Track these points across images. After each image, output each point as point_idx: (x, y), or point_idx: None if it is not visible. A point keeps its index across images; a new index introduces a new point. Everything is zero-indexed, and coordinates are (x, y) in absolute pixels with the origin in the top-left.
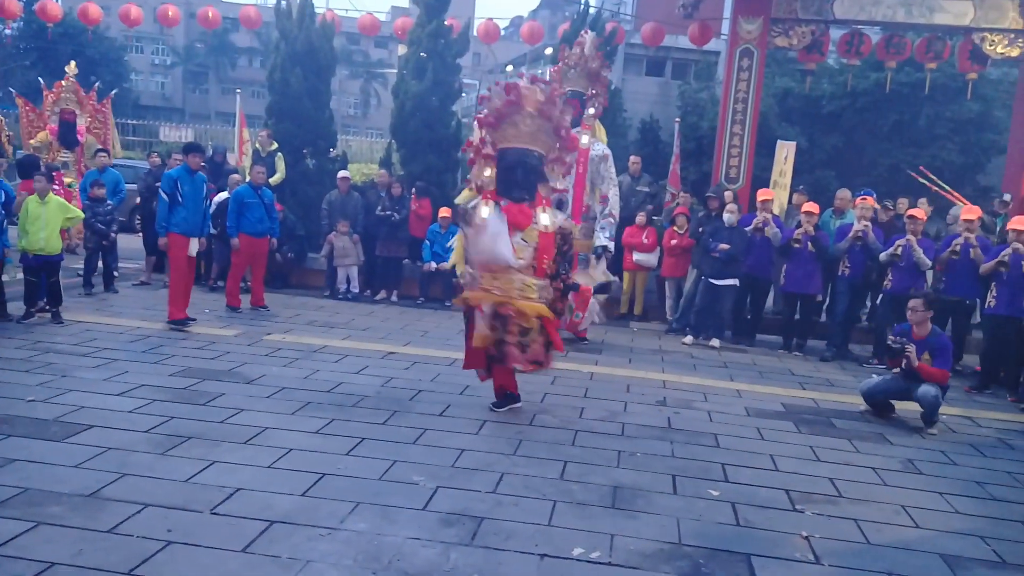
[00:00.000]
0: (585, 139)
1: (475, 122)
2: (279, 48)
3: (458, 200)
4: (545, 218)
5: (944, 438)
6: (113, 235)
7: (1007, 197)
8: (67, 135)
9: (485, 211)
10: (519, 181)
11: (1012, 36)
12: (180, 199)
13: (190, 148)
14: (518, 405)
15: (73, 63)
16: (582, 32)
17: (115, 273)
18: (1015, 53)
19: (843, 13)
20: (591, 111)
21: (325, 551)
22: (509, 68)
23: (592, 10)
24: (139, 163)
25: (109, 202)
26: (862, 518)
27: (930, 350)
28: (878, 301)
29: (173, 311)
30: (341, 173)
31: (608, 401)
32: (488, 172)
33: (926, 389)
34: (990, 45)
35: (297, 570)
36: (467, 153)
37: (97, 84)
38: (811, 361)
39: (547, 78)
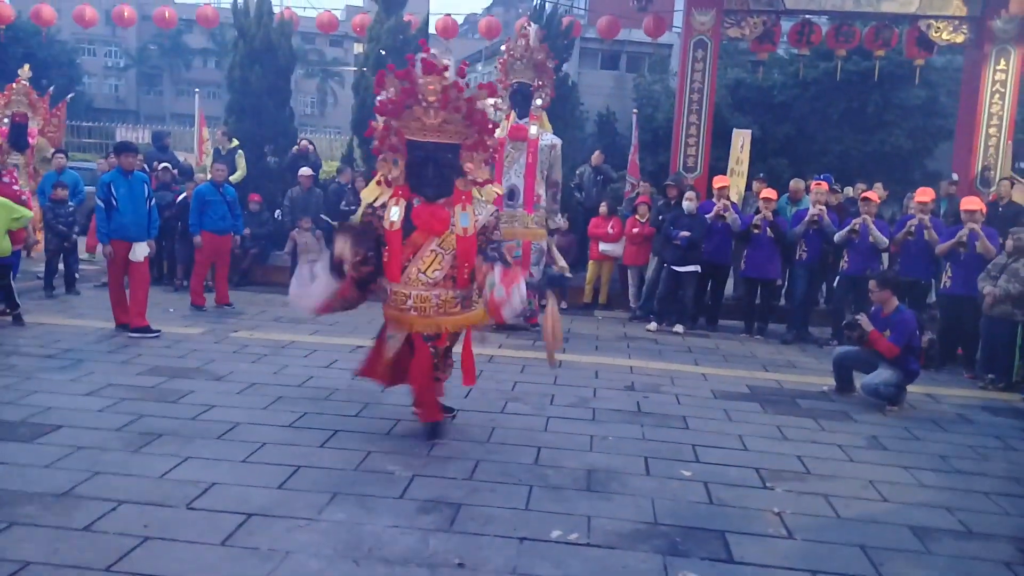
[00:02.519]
0: (534, 129)
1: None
2: (237, 46)
3: (363, 193)
4: (465, 219)
5: (906, 415)
6: (74, 237)
7: (955, 177)
8: (18, 138)
9: (396, 213)
10: (431, 178)
11: (956, 23)
12: (115, 204)
13: (121, 148)
14: (452, 416)
15: (27, 66)
16: (524, 23)
17: (76, 275)
18: (959, 39)
19: (794, 3)
20: (538, 102)
21: (304, 542)
22: (452, 61)
23: (547, 5)
24: (95, 165)
25: (71, 204)
26: (831, 493)
27: (891, 326)
28: (835, 283)
29: (117, 315)
30: (303, 170)
31: (577, 387)
32: (397, 166)
33: (869, 379)
34: (935, 32)
35: (278, 561)
36: (371, 140)
37: (51, 88)
38: (773, 344)
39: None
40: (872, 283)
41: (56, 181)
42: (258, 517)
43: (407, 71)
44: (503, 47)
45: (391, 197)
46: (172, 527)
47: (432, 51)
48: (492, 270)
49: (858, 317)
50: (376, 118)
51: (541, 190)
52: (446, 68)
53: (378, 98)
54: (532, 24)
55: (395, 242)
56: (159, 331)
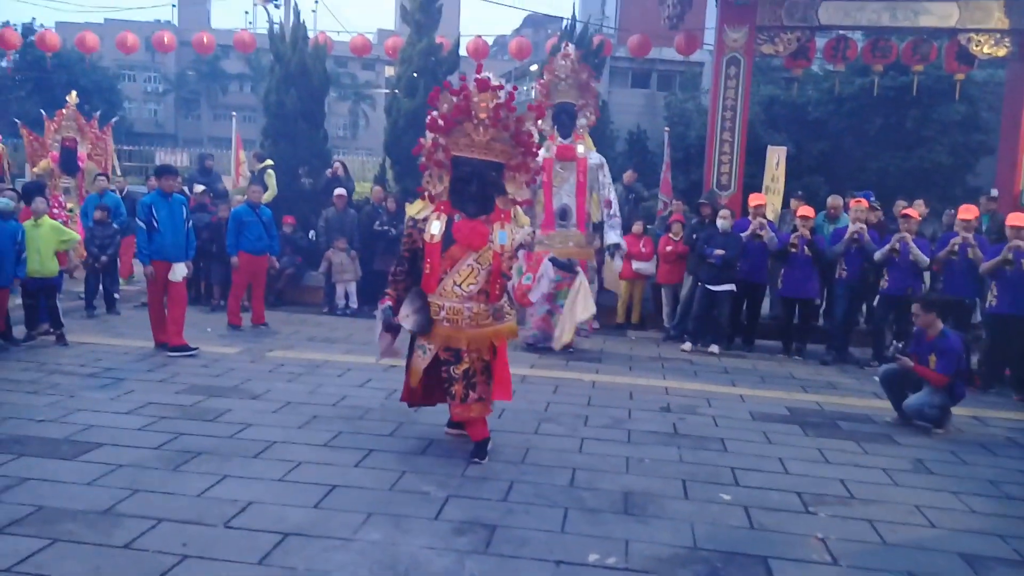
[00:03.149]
0: (581, 148)
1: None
2: (273, 71)
3: (410, 210)
4: (503, 236)
5: (952, 438)
6: (105, 258)
7: (994, 193)
8: (68, 162)
9: (436, 227)
10: (474, 194)
11: (998, 36)
12: (156, 225)
13: (162, 171)
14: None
15: (74, 92)
16: (564, 44)
17: (116, 295)
18: (1002, 53)
19: (828, 19)
20: (583, 121)
21: (341, 561)
22: (509, 86)
23: (578, 25)
24: (137, 187)
25: (114, 225)
26: (876, 518)
27: (936, 352)
28: (875, 303)
29: (157, 335)
30: (337, 190)
31: (612, 408)
32: (442, 181)
33: (913, 400)
34: (976, 46)
35: None
36: (419, 157)
37: (98, 112)
38: (811, 365)
39: (533, 94)
40: (916, 306)
41: (97, 203)
42: (295, 536)
43: (462, 87)
44: (544, 68)
45: (433, 211)
46: (210, 546)
47: (485, 72)
48: (517, 258)
49: (899, 360)
50: (426, 135)
51: (592, 209)
52: (500, 87)
53: (430, 114)
54: (571, 45)
55: (434, 254)
56: (196, 348)
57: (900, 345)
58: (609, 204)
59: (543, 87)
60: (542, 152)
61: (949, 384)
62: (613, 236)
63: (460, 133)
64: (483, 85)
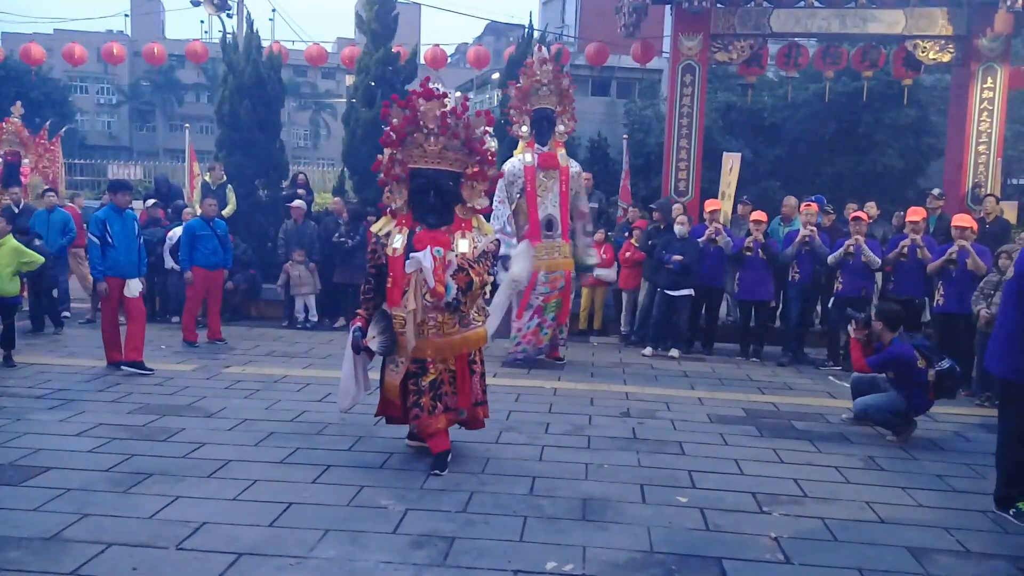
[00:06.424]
0: (562, 156)
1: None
2: (227, 81)
3: (373, 228)
4: (463, 245)
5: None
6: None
7: (936, 191)
8: (10, 176)
9: (399, 240)
10: (432, 205)
11: (942, 42)
12: (110, 240)
13: (116, 186)
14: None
15: (19, 103)
16: (537, 48)
17: (65, 314)
18: (946, 58)
19: (780, 26)
20: (561, 128)
21: None
22: (457, 94)
23: (536, 33)
24: (89, 202)
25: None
26: (828, 516)
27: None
28: (830, 304)
29: (109, 354)
30: (294, 203)
31: (573, 415)
32: (401, 195)
33: (861, 399)
34: (922, 52)
35: None
36: (378, 172)
37: (48, 123)
38: (768, 366)
39: (495, 101)
40: (857, 327)
41: (46, 220)
42: (248, 556)
43: (409, 99)
44: (522, 72)
45: (395, 226)
46: (161, 569)
47: (432, 81)
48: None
49: (852, 316)
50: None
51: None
52: (445, 95)
53: (384, 129)
54: (544, 48)
55: (397, 268)
56: (152, 370)
57: (860, 315)
58: (584, 216)
59: (520, 92)
60: (524, 159)
61: (905, 391)
62: (591, 257)
63: (412, 144)
64: (428, 94)
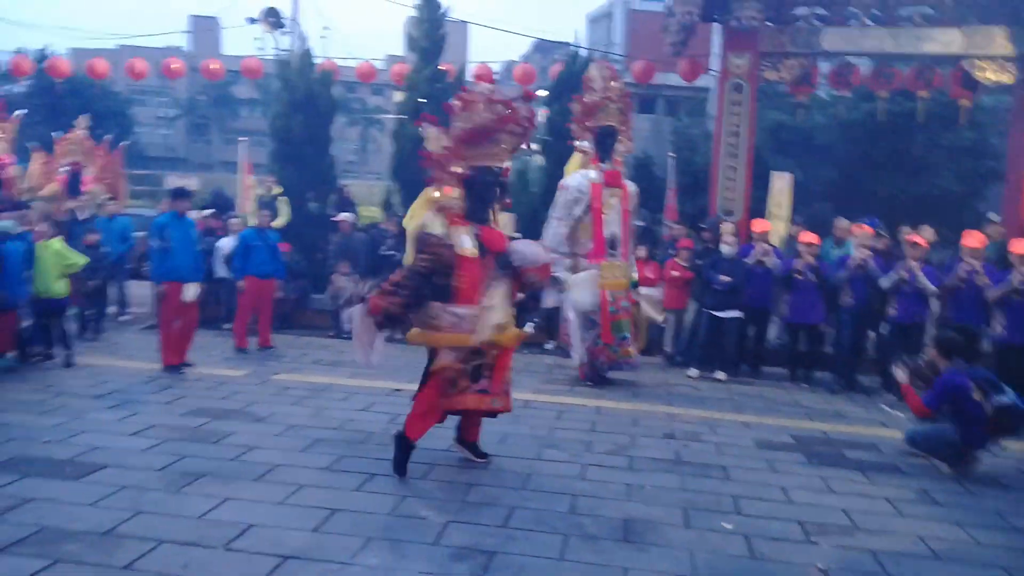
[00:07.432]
0: (623, 175)
1: (439, 134)
2: (281, 97)
3: (410, 225)
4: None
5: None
6: (90, 283)
7: (992, 215)
8: (74, 185)
9: (467, 241)
10: (491, 202)
11: (1002, 62)
12: (170, 245)
13: (177, 194)
14: (484, 460)
15: (86, 116)
16: (600, 65)
17: (103, 315)
18: (1006, 79)
19: (831, 45)
20: (620, 147)
21: None
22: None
23: (583, 51)
24: (147, 211)
25: (105, 248)
26: (879, 549)
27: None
28: (885, 331)
29: (166, 357)
30: (341, 216)
31: (615, 435)
32: (455, 193)
33: (912, 427)
34: (980, 72)
35: None
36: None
37: (110, 136)
38: (819, 393)
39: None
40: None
41: (89, 227)
42: (294, 560)
43: (507, 99)
44: (587, 86)
45: (451, 225)
46: (210, 568)
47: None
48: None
49: (899, 363)
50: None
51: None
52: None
53: (458, 125)
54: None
55: (474, 268)
56: (192, 363)
57: (907, 358)
58: (635, 235)
59: (586, 107)
60: (590, 175)
61: (963, 427)
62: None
63: (493, 143)
64: (529, 96)
